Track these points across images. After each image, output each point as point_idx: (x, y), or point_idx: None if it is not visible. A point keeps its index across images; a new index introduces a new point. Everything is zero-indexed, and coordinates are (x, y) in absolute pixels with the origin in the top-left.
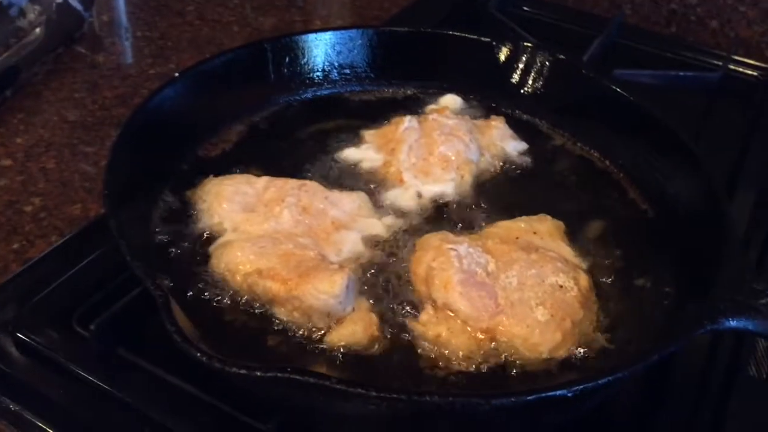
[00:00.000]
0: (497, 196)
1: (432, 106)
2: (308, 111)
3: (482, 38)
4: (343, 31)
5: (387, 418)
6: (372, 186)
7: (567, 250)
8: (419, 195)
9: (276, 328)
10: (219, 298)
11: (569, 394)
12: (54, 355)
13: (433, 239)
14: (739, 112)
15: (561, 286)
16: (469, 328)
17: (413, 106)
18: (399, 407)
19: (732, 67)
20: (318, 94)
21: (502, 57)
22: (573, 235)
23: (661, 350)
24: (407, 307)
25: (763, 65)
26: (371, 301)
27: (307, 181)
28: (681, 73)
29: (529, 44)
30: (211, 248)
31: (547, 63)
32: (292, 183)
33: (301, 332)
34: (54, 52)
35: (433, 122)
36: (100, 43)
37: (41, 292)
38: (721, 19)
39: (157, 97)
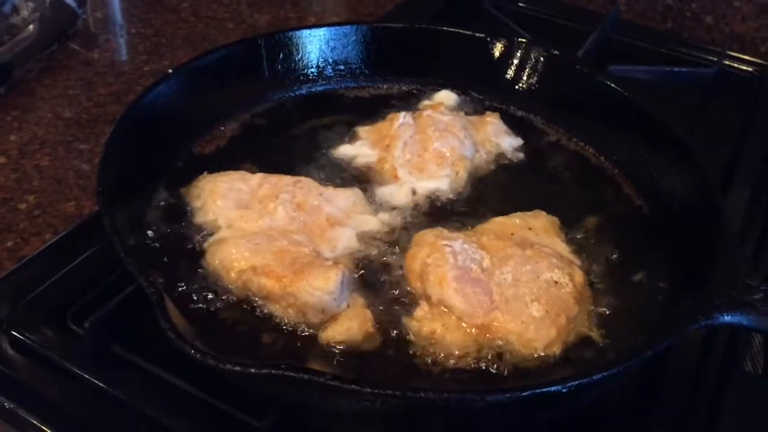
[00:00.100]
0: (492, 192)
1: (426, 102)
2: (302, 107)
3: (477, 34)
4: (337, 27)
5: (382, 415)
6: (367, 182)
7: (562, 246)
8: (414, 191)
9: (271, 324)
10: (213, 295)
11: (564, 390)
12: (48, 353)
13: (428, 235)
14: (733, 108)
15: (556, 282)
16: (464, 324)
17: (408, 102)
18: (393, 403)
19: (727, 62)
20: (312, 90)
21: (497, 53)
22: (568, 231)
23: (656, 345)
24: (402, 304)
25: (757, 61)
26: (366, 297)
27: (302, 178)
28: (676, 69)
29: (523, 40)
30: (206, 245)
31: (541, 59)
32: (286, 180)
33: (295, 329)
34: (48, 50)
35: (427, 118)
36: (94, 40)
37: (35, 289)
38: (716, 15)
39: (151, 93)
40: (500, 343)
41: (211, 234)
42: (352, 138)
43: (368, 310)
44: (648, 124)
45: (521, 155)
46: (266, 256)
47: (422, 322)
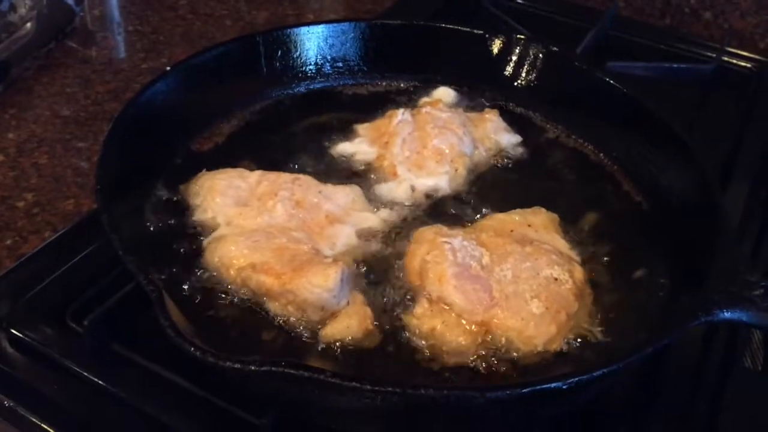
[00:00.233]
0: (491, 189)
1: (425, 99)
2: (301, 105)
3: (475, 31)
4: (335, 24)
5: (382, 412)
6: (366, 179)
7: (561, 243)
8: (413, 188)
9: (270, 322)
10: (213, 292)
11: (564, 387)
12: (48, 351)
13: (428, 232)
14: (732, 104)
15: (556, 279)
16: (463, 321)
17: (406, 99)
18: (394, 401)
19: (725, 58)
20: (311, 87)
21: (496, 49)
22: (567, 228)
23: (656, 342)
24: (402, 301)
25: (756, 57)
26: (366, 294)
27: (301, 175)
28: (674, 65)
29: (522, 36)
30: (205, 242)
31: (540, 55)
32: (285, 177)
33: (295, 326)
34: (45, 47)
35: (426, 115)
36: (91, 38)
37: (35, 287)
38: (715, 11)
39: (149, 91)
40: (500, 339)
41: (210, 231)
42: (351, 135)
43: (368, 307)
44: (647, 120)
45: (520, 152)
46: (265, 253)
47: (422, 320)
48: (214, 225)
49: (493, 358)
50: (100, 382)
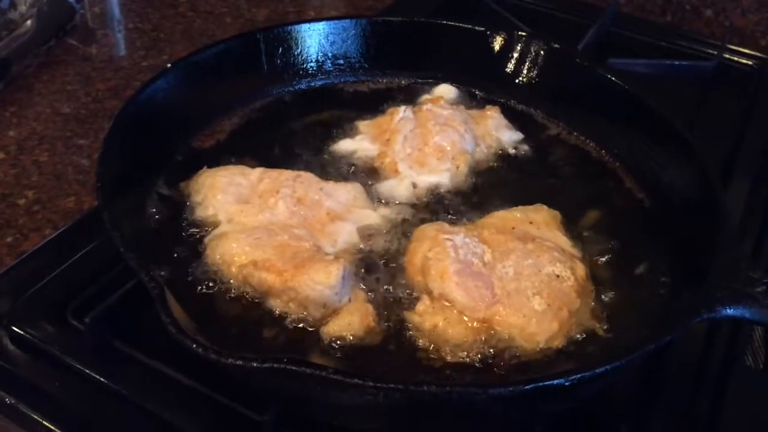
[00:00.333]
0: (493, 186)
1: (426, 96)
2: (302, 102)
3: (476, 27)
4: (336, 22)
5: (384, 409)
6: (367, 177)
7: (563, 240)
8: (414, 185)
9: (272, 319)
10: (214, 289)
11: (567, 384)
12: (49, 349)
13: (429, 229)
14: (733, 101)
15: (557, 276)
16: (465, 318)
17: (408, 97)
18: (396, 397)
19: (727, 56)
20: (312, 84)
21: (497, 46)
22: (569, 225)
23: (659, 339)
24: (404, 298)
25: (757, 54)
26: (367, 291)
27: (302, 172)
28: (676, 62)
29: (523, 33)
30: (206, 240)
31: (541, 52)
32: (286, 174)
33: (297, 323)
34: (46, 45)
35: (427, 112)
36: (92, 36)
37: (35, 285)
38: (716, 8)
39: (150, 88)
40: (502, 336)
41: (211, 229)
42: (352, 132)
43: (369, 304)
44: (648, 117)
45: (522, 149)
46: (267, 250)
47: (424, 317)
48: (216, 222)
49: (495, 355)
50: (101, 379)
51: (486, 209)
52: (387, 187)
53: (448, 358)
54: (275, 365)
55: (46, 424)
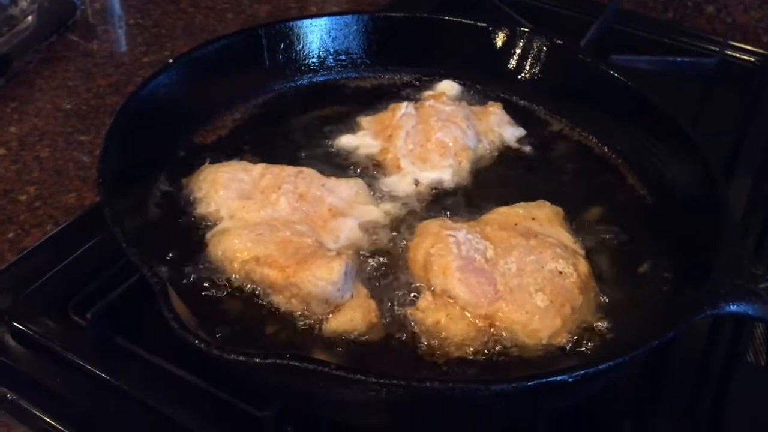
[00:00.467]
0: (495, 183)
1: (429, 92)
2: (304, 98)
3: (479, 23)
4: (338, 17)
5: (386, 404)
6: (369, 173)
7: (566, 236)
8: (417, 182)
9: (274, 315)
10: (216, 285)
11: (570, 380)
12: (51, 345)
13: (432, 225)
14: (736, 98)
15: (560, 272)
16: (468, 315)
17: (410, 93)
18: (398, 393)
19: (729, 52)
20: (314, 80)
21: (499, 42)
22: (572, 221)
23: (661, 336)
24: (406, 294)
25: (759, 51)
26: (370, 287)
27: (304, 168)
28: (678, 59)
29: (525, 29)
30: (208, 236)
31: (544, 48)
32: (288, 170)
33: (299, 319)
34: (47, 41)
35: (430, 108)
36: (93, 31)
37: (37, 281)
38: (718, 5)
39: (151, 84)
40: (505, 333)
41: (213, 224)
42: (354, 128)
43: (372, 300)
44: (651, 113)
45: (524, 145)
46: (269, 246)
47: (426, 313)
48: (218, 218)
49: (497, 352)
50: (103, 375)
51: (488, 205)
52: (389, 183)
53: (451, 354)
54: (277, 361)
55: (48, 420)
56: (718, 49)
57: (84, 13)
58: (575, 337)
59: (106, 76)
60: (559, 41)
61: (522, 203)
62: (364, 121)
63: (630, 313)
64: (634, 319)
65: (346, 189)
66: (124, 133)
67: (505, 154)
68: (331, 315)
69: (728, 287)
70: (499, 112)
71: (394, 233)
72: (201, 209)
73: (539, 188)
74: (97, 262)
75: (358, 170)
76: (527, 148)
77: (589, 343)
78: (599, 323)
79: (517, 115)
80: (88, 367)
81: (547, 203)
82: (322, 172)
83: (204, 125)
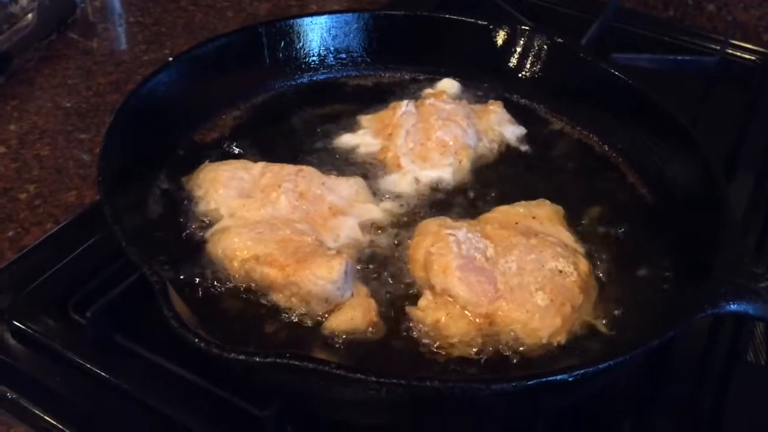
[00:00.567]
0: (495, 181)
1: (429, 91)
2: (304, 96)
3: (479, 21)
4: (338, 15)
5: (386, 403)
6: (369, 171)
7: (566, 235)
8: (417, 180)
9: (274, 314)
10: (216, 284)
11: (570, 379)
12: (50, 343)
13: (432, 224)
14: (736, 96)
15: (560, 271)
16: (468, 313)
17: (410, 91)
18: (399, 393)
19: (729, 51)
20: (314, 78)
21: (500, 41)
22: (572, 220)
23: (662, 335)
24: (406, 293)
25: (760, 49)
26: (370, 286)
27: (304, 167)
28: (679, 57)
29: (526, 28)
30: (208, 234)
31: (545, 47)
32: (288, 168)
33: (299, 318)
34: (47, 39)
35: (430, 107)
36: (93, 30)
37: (37, 279)
38: (719, 3)
39: (151, 82)
40: (505, 332)
41: (213, 223)
42: (355, 127)
43: (372, 299)
44: (651, 112)
45: (525, 144)
46: (269, 245)
47: (426, 312)
48: (218, 216)
49: (497, 351)
50: (102, 373)
51: (489, 204)
52: (389, 181)
53: (451, 353)
54: (277, 360)
55: (48, 418)
56: (718, 47)
57: (84, 11)
58: (575, 336)
59: (106, 74)
60: (559, 40)
61: (522, 202)
62: (365, 119)
63: (630, 311)
64: (634, 319)
65: (346, 188)
66: (124, 131)
67: (506, 153)
68: (331, 314)
69: (729, 286)
70: (499, 111)
71: (394, 232)
72: (201, 207)
73: (539, 187)
74: (97, 261)
75: (359, 169)
76: (527, 147)
77: (590, 342)
78: (599, 322)
79: (517, 113)
80: (88, 365)
81: (548, 202)
82: (322, 170)
83: (204, 123)
